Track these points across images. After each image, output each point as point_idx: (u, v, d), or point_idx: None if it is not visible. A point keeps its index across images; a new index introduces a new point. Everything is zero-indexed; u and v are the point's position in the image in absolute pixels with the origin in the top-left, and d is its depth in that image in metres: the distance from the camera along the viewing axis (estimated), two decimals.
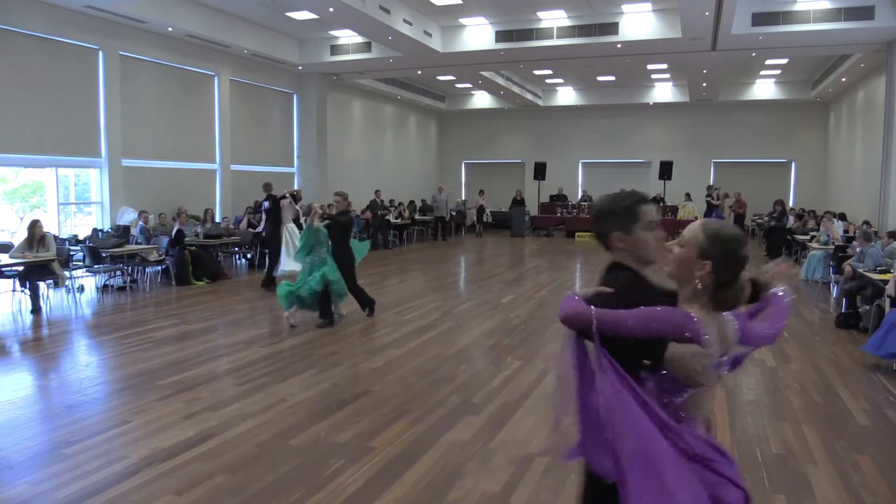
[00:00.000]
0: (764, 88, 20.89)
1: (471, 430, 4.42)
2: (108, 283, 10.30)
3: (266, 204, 10.69)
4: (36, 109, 10.93)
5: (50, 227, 10.86)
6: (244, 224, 12.97)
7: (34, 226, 8.60)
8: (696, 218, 19.77)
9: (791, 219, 16.49)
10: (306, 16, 13.39)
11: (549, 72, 19.52)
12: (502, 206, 23.99)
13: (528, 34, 14.34)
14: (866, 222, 12.28)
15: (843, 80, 17.43)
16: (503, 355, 6.41)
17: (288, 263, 10.10)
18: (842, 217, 14.64)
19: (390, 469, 3.81)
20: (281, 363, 6.10)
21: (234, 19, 13.85)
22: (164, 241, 10.74)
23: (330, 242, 7.71)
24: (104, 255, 9.64)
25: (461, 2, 13.10)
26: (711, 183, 22.01)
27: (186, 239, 11.03)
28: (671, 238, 2.00)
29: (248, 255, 13.33)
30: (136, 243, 10.87)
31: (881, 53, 13.76)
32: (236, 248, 13.01)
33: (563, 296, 1.93)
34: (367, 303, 8.12)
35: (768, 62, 17.46)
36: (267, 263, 10.49)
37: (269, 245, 10.74)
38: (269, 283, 9.95)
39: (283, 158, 17.16)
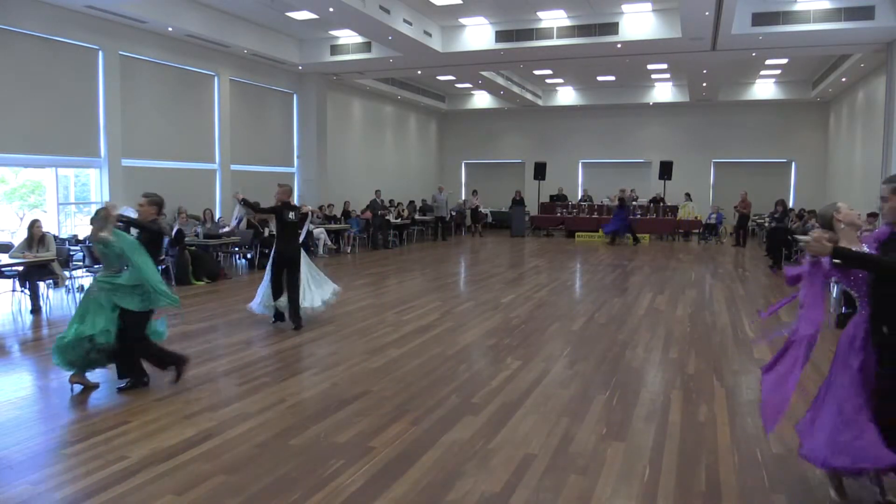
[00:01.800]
0: (764, 88, 20.90)
1: (471, 430, 4.42)
2: None
3: (292, 215, 7.53)
4: (36, 109, 10.93)
5: (50, 227, 10.86)
6: (244, 224, 12.97)
7: (34, 226, 8.60)
8: (696, 218, 19.94)
9: (790, 218, 16.48)
10: (306, 16, 13.40)
11: (549, 72, 19.52)
12: (502, 206, 23.99)
13: (528, 34, 14.35)
14: (872, 214, 12.24)
15: (843, 80, 17.44)
16: (503, 355, 6.40)
17: (310, 297, 7.64)
18: None
19: (390, 469, 3.81)
20: (281, 363, 6.10)
21: (234, 19, 13.85)
22: (164, 241, 10.72)
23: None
24: None
25: (461, 2, 13.11)
26: (712, 182, 22.05)
27: (186, 239, 11.04)
28: None
29: (248, 255, 13.33)
30: None
31: (881, 53, 13.77)
32: (236, 248, 13.01)
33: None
34: (165, 361, 5.47)
35: (768, 62, 17.47)
36: (287, 293, 7.51)
37: (293, 270, 7.52)
38: (299, 317, 7.51)
39: (283, 158, 17.16)
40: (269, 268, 7.62)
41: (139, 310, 5.18)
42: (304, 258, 7.67)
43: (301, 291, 7.50)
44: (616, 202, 19.27)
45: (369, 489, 3.55)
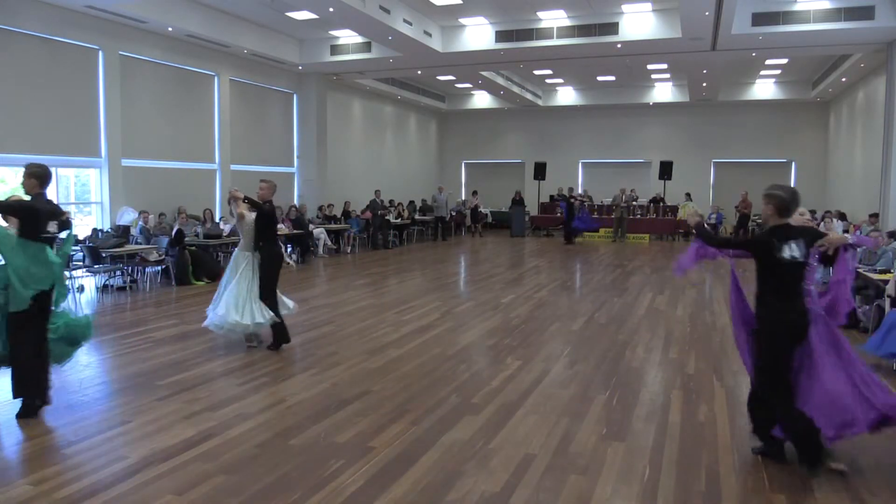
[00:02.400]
0: (764, 88, 20.89)
1: (471, 430, 4.42)
2: (108, 283, 10.29)
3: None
4: (36, 109, 10.93)
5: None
6: None
7: None
8: None
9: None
10: (306, 16, 13.40)
11: (549, 72, 19.51)
12: (502, 206, 23.98)
13: (528, 34, 14.35)
14: (873, 214, 12.26)
15: (843, 80, 17.43)
16: (503, 355, 6.41)
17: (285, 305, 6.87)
18: (842, 217, 14.65)
19: (390, 469, 3.81)
20: (281, 363, 6.10)
21: (234, 19, 13.85)
22: (164, 241, 10.73)
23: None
24: (104, 255, 9.64)
25: (461, 2, 13.10)
26: (712, 182, 21.99)
27: (186, 239, 11.04)
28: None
29: None
30: (136, 243, 10.87)
31: (881, 53, 13.76)
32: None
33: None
34: (32, 390, 4.62)
35: (768, 62, 17.46)
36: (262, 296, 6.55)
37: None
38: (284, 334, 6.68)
39: (283, 158, 17.16)
40: (268, 275, 6.59)
41: (13, 310, 4.46)
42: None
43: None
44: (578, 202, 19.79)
45: (369, 489, 3.55)
